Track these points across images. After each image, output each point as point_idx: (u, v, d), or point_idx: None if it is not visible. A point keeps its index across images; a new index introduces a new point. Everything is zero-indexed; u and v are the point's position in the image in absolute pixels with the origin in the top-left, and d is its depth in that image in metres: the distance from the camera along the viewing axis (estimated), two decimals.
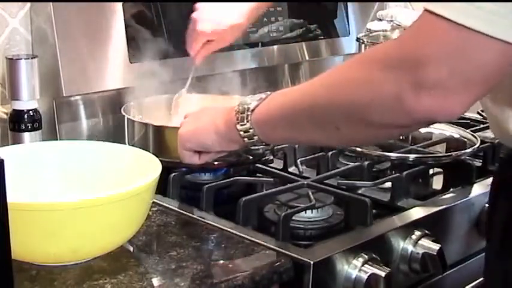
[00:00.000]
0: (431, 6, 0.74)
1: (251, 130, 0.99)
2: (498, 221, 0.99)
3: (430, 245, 1.10)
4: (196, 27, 1.30)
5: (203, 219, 1.09)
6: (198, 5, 1.33)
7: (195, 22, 1.31)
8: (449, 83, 0.74)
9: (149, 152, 1.06)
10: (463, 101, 0.76)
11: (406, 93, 0.76)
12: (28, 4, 1.34)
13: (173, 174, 1.19)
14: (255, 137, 1.00)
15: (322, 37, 1.76)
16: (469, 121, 1.57)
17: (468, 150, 1.33)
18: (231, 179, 1.21)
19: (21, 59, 1.22)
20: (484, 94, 0.80)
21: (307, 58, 1.73)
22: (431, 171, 1.40)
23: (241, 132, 1.00)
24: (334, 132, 0.87)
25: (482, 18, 0.71)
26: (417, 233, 1.11)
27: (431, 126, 1.42)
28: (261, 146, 1.02)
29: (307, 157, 1.35)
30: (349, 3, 1.80)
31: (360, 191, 1.22)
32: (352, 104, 0.82)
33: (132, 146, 1.20)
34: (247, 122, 0.99)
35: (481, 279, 1.07)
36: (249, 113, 0.98)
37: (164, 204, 1.14)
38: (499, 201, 1.00)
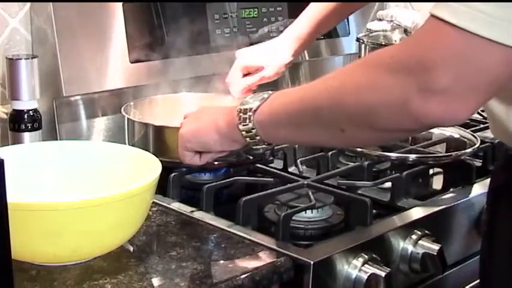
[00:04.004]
0: (437, 11, 0.74)
1: (253, 130, 0.99)
2: (503, 227, 0.98)
3: (430, 245, 1.10)
4: (237, 55, 1.37)
5: (203, 219, 1.09)
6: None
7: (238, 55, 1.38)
8: (455, 88, 0.74)
9: (149, 152, 1.06)
10: (469, 105, 0.76)
11: (413, 98, 0.76)
12: (28, 4, 1.34)
13: (173, 174, 1.19)
14: (257, 137, 0.99)
15: (322, 37, 1.75)
16: (469, 121, 1.57)
17: (468, 150, 1.32)
18: (231, 179, 1.21)
19: (21, 59, 1.22)
20: (489, 98, 0.80)
21: (307, 58, 1.73)
22: (431, 171, 1.40)
23: (243, 132, 1.00)
24: (339, 134, 0.87)
25: (488, 23, 0.71)
26: (417, 233, 1.11)
27: None
28: (263, 146, 1.02)
29: (307, 157, 1.35)
30: None
31: (360, 191, 1.21)
32: (358, 107, 0.82)
33: (132, 146, 1.20)
34: (250, 122, 0.99)
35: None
36: (251, 113, 0.98)
37: (164, 204, 1.14)
38: (501, 206, 0.99)
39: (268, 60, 1.36)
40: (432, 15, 0.75)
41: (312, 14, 1.36)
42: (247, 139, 1.00)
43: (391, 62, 0.79)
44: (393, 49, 0.84)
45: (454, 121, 0.78)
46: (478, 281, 1.08)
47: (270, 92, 1.00)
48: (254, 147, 1.02)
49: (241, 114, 0.99)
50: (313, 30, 1.37)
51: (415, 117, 0.77)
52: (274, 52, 1.37)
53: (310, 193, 1.14)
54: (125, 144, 1.26)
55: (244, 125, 0.99)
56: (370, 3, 1.87)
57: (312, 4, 1.37)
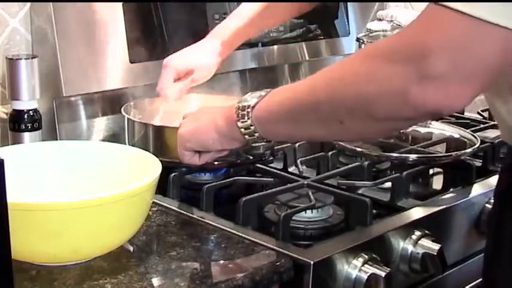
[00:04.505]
0: None
1: (252, 127, 0.99)
2: (508, 228, 0.98)
3: (430, 245, 1.10)
4: (165, 63, 1.31)
5: (203, 219, 1.09)
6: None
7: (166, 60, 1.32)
8: (453, 74, 0.73)
9: (149, 152, 1.06)
10: (467, 92, 0.75)
11: (411, 85, 0.75)
12: (28, 4, 1.34)
13: (173, 174, 1.19)
14: (256, 134, 0.99)
15: (322, 37, 1.76)
16: (469, 121, 1.57)
17: (468, 150, 1.32)
18: (231, 179, 1.21)
19: (21, 59, 1.22)
20: (487, 86, 0.79)
21: (307, 58, 1.73)
22: (431, 171, 1.40)
23: (242, 130, 1.00)
24: (338, 126, 0.87)
25: (487, 6, 0.71)
26: (417, 233, 1.11)
27: (431, 126, 1.42)
28: (262, 143, 1.02)
29: (307, 157, 1.35)
30: (349, 3, 1.80)
31: (360, 191, 1.22)
32: (357, 98, 0.82)
33: (132, 146, 1.20)
34: (248, 119, 0.98)
35: (481, 279, 1.07)
36: (250, 110, 0.98)
37: (164, 204, 1.14)
38: (506, 206, 0.99)
39: (196, 63, 1.33)
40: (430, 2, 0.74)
41: (241, 13, 1.34)
42: (246, 136, 1.00)
43: (389, 52, 0.79)
44: (391, 39, 0.84)
45: (453, 108, 0.77)
46: (478, 281, 1.08)
47: (268, 90, 0.99)
48: (253, 144, 1.02)
49: (239, 111, 0.99)
50: (242, 28, 1.34)
51: (414, 105, 0.76)
52: (202, 54, 1.34)
53: (310, 193, 1.14)
54: (125, 144, 1.27)
55: (242, 122, 0.99)
56: (370, 2, 1.88)
57: (243, 4, 1.35)
